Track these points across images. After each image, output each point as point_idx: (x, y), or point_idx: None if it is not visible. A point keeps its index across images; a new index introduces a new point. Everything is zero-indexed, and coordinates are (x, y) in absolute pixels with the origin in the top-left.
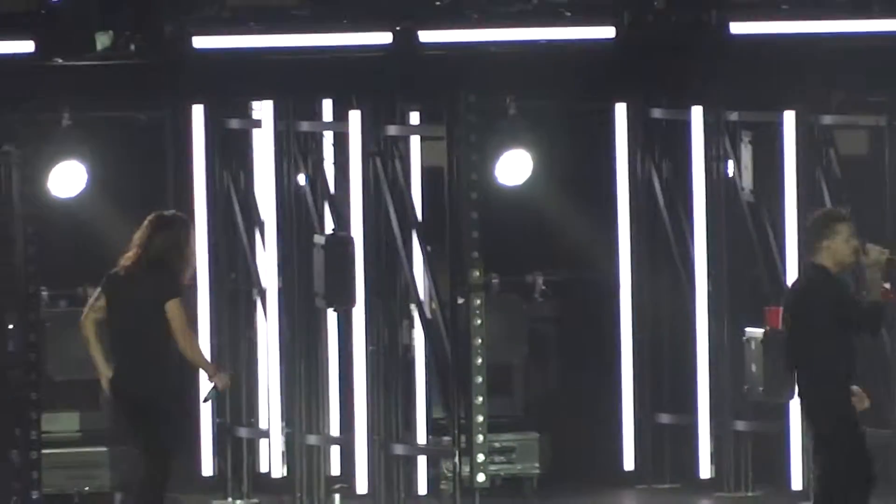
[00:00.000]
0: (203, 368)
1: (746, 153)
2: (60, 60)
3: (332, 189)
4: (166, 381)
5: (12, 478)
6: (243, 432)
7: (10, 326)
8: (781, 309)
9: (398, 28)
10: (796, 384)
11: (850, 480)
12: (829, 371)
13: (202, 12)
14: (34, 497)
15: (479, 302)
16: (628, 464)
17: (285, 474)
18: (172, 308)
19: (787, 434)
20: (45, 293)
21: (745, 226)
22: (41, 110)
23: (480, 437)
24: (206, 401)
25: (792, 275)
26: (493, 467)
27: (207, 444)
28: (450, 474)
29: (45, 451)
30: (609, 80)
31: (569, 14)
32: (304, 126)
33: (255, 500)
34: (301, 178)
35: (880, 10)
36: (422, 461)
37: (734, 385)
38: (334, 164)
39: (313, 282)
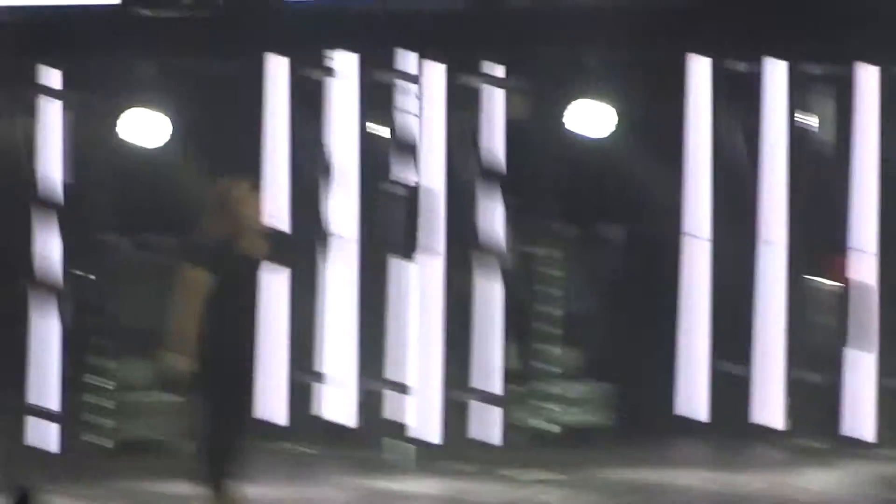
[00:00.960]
0: None
1: (826, 106)
2: (147, 12)
3: (414, 140)
4: None
5: (85, 426)
6: (313, 379)
7: (90, 276)
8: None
9: None
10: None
11: None
12: None
13: None
14: (108, 445)
15: (556, 252)
16: (701, 414)
17: (359, 424)
18: None
19: (859, 385)
20: (123, 241)
21: (821, 177)
22: (125, 60)
23: (555, 387)
24: None
25: (870, 227)
26: (566, 417)
27: (281, 391)
28: (524, 424)
29: (120, 398)
30: (686, 31)
31: None
32: (385, 77)
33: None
34: (383, 129)
35: None
36: (497, 411)
37: (807, 336)
38: (417, 115)
39: (393, 231)
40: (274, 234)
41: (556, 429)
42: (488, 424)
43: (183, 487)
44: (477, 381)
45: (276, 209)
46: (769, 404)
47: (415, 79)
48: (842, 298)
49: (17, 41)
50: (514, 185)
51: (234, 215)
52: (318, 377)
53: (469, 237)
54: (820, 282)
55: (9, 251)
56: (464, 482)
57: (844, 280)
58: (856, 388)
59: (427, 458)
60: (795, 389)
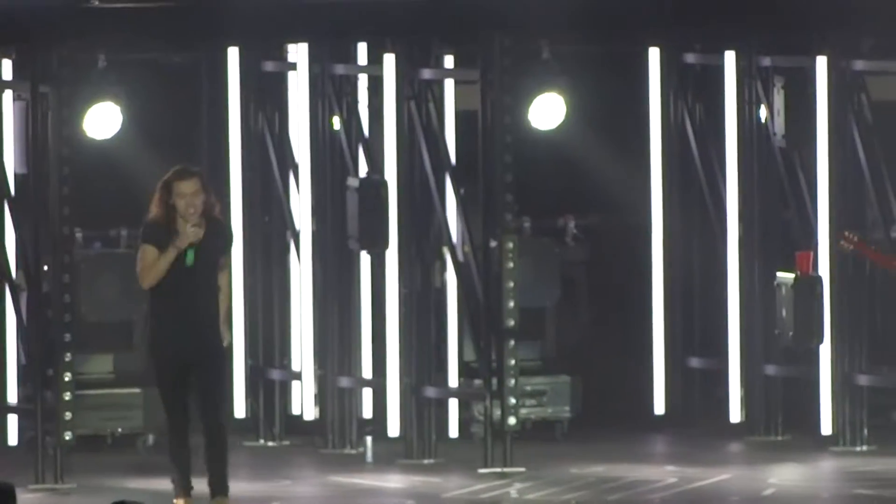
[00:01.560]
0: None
1: (779, 98)
2: (97, 2)
3: (366, 132)
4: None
5: (46, 419)
6: (275, 374)
7: (45, 268)
8: (811, 254)
9: None
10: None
11: None
12: None
13: None
14: (67, 438)
15: (511, 245)
16: (659, 408)
17: (317, 416)
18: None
19: (817, 379)
20: (79, 235)
21: (776, 171)
22: (77, 52)
23: (512, 381)
24: None
25: (823, 220)
26: (524, 410)
27: (240, 387)
28: (481, 417)
29: (78, 392)
30: (642, 25)
31: None
32: (339, 69)
33: (287, 442)
34: (335, 122)
35: None
36: (453, 404)
37: (765, 329)
38: (368, 107)
39: (347, 224)
40: (213, 224)
41: (513, 422)
42: (446, 418)
43: (143, 482)
44: (434, 375)
45: (225, 200)
46: (731, 398)
47: (366, 70)
48: (808, 292)
49: None
50: (467, 177)
51: (172, 203)
52: (279, 370)
53: (423, 230)
54: (785, 276)
55: None
56: (423, 475)
57: (808, 274)
58: (820, 382)
59: (386, 451)
60: (758, 383)
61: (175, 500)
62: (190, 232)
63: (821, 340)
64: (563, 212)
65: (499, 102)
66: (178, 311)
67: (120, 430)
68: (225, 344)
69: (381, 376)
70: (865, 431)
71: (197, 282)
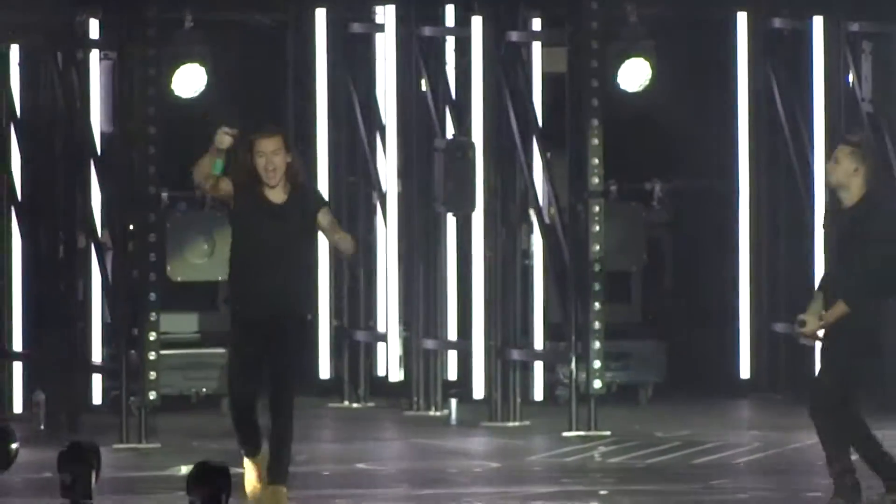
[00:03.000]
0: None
1: (866, 63)
2: None
3: (453, 94)
4: None
5: (130, 379)
6: (361, 336)
7: (131, 227)
8: None
9: None
10: None
11: None
12: None
13: None
14: (152, 398)
15: (597, 208)
16: (744, 372)
17: (402, 378)
18: None
19: None
20: (164, 194)
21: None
22: (164, 11)
23: (597, 344)
24: None
25: None
26: (609, 374)
27: (325, 348)
28: (566, 380)
29: (163, 352)
30: None
31: None
32: (427, 31)
33: (372, 404)
34: (423, 83)
35: None
36: (538, 367)
37: None
38: (456, 69)
39: (433, 186)
40: (296, 190)
41: (599, 385)
42: (530, 381)
43: (226, 443)
44: (519, 338)
45: (312, 162)
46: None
47: (454, 32)
48: None
49: None
50: (554, 140)
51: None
52: (364, 332)
53: (509, 193)
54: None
55: (53, 204)
56: (507, 438)
57: None
58: None
59: (470, 414)
60: None
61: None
62: (219, 134)
63: None
64: (650, 175)
65: (586, 65)
66: (255, 279)
67: (204, 390)
68: (348, 247)
69: (467, 338)
70: None
71: (276, 250)
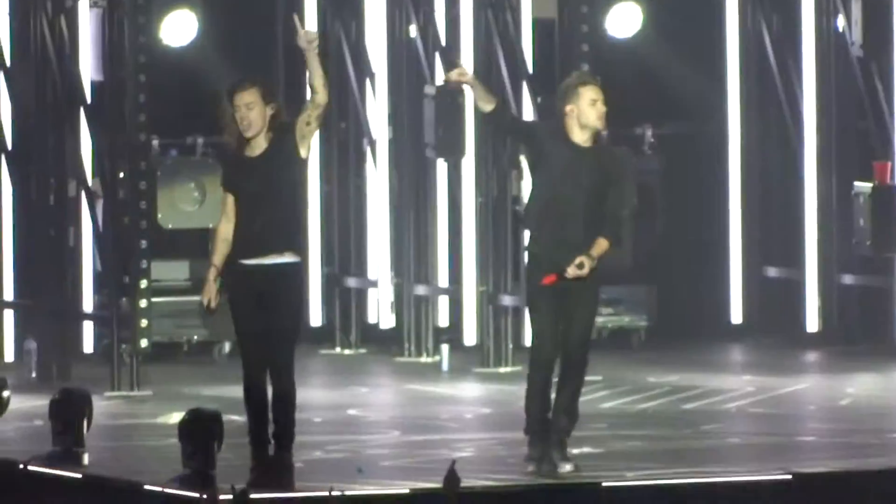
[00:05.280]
0: None
1: (856, 7)
2: None
3: (443, 40)
4: None
5: (122, 326)
6: (352, 282)
7: (121, 175)
8: (889, 164)
9: None
10: None
11: None
12: None
13: None
14: (143, 345)
15: None
16: (736, 317)
17: (393, 325)
18: None
19: (894, 288)
20: (155, 142)
21: (854, 80)
22: None
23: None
24: None
25: None
26: (600, 319)
27: (316, 295)
28: None
29: (154, 299)
30: None
31: None
32: None
33: (364, 350)
34: (412, 30)
35: None
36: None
37: (842, 239)
38: (445, 15)
39: (423, 132)
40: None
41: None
42: (522, 326)
43: (218, 390)
44: (511, 284)
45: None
46: (808, 308)
47: None
48: (886, 201)
49: None
50: (544, 86)
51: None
52: (355, 279)
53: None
54: (862, 185)
55: (43, 152)
56: (499, 384)
57: (886, 183)
58: None
59: (462, 360)
60: (834, 293)
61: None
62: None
63: None
64: (640, 120)
65: (576, 11)
66: (247, 233)
67: (196, 337)
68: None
69: (458, 284)
70: None
71: (256, 199)
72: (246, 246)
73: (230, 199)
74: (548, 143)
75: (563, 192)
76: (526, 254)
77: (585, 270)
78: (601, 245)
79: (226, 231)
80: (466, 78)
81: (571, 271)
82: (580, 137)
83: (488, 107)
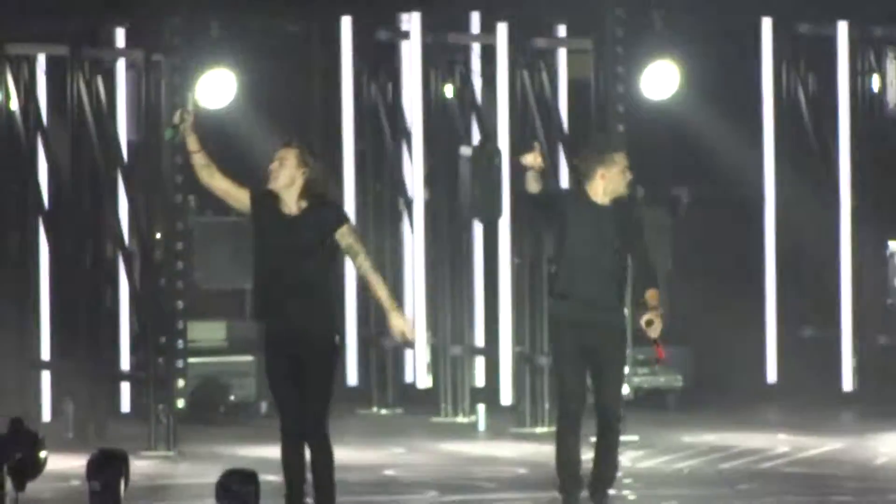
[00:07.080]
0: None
1: (891, 68)
2: None
3: (479, 101)
4: None
5: (158, 387)
6: (388, 343)
7: (158, 235)
8: None
9: None
10: None
11: None
12: None
13: None
14: (180, 406)
15: None
16: (771, 377)
17: (430, 385)
18: None
19: None
20: (192, 202)
21: (889, 140)
22: (190, 20)
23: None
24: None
25: None
26: (636, 379)
27: (353, 355)
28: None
29: (191, 359)
30: None
31: None
32: (452, 38)
33: (400, 410)
34: (448, 90)
35: None
36: None
37: (878, 299)
38: (481, 75)
39: (459, 193)
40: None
41: (626, 390)
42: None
43: (255, 450)
44: (546, 344)
45: (338, 168)
46: (843, 367)
47: (479, 38)
48: None
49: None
50: (579, 146)
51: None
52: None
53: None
54: None
55: (80, 213)
56: (535, 444)
57: None
58: None
59: (498, 420)
60: (870, 353)
61: None
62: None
63: None
64: (676, 182)
65: (611, 72)
66: (273, 300)
67: (232, 398)
68: (406, 335)
69: (494, 345)
70: None
71: (287, 263)
72: (282, 317)
73: (241, 191)
74: (571, 207)
75: (591, 251)
76: (548, 315)
77: (659, 324)
78: (655, 296)
79: (219, 177)
80: (538, 164)
81: (654, 333)
82: (603, 199)
83: (536, 188)
